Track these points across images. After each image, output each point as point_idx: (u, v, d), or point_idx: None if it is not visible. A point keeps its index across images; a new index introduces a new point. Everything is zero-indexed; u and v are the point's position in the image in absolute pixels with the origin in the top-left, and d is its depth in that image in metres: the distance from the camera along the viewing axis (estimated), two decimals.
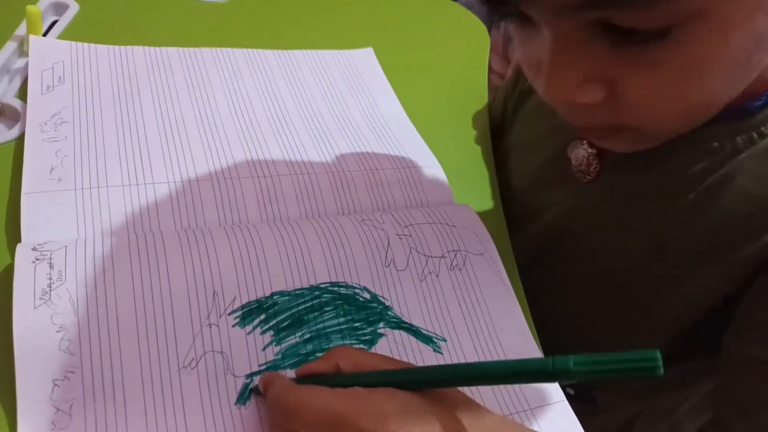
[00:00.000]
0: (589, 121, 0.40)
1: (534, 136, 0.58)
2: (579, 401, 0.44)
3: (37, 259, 0.39)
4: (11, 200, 0.45)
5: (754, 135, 0.42)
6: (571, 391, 0.53)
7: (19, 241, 0.41)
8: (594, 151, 0.49)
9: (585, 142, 0.50)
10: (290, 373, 0.39)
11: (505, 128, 0.64)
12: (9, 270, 0.40)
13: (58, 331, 0.36)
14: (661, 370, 0.25)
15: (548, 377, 0.28)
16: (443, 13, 0.76)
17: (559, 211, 0.52)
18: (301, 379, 0.36)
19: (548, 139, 0.55)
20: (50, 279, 0.38)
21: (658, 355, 0.25)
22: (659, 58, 0.34)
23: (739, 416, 0.42)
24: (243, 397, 0.37)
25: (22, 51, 0.57)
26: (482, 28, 0.75)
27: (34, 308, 0.37)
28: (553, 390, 0.42)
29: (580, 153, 0.50)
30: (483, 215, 0.51)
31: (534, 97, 0.59)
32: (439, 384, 0.33)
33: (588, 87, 0.36)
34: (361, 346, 0.41)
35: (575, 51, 0.35)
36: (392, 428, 0.30)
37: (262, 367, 0.38)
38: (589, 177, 0.50)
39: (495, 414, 0.34)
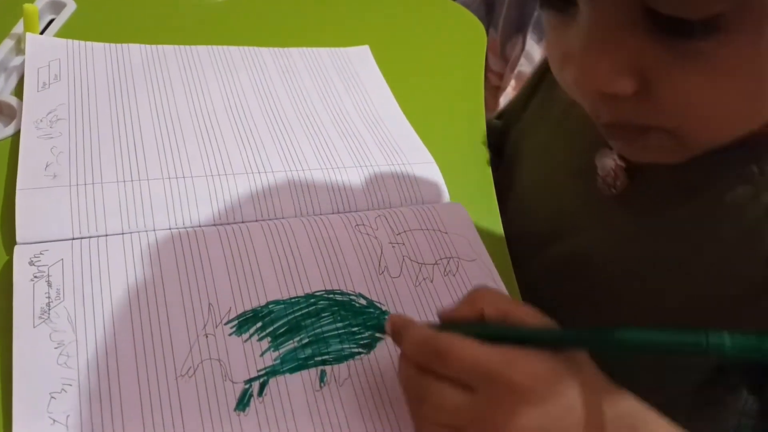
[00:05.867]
0: (615, 117, 0.37)
1: (556, 142, 0.54)
2: None
3: (35, 276, 0.40)
4: (6, 196, 0.46)
5: None
6: None
7: (14, 236, 0.42)
8: (623, 165, 0.45)
9: (616, 154, 0.45)
10: (293, 378, 0.39)
11: (513, 131, 0.62)
12: (5, 268, 0.41)
13: (56, 348, 0.37)
14: None
15: (701, 352, 0.29)
16: (440, 12, 0.76)
17: (587, 235, 0.48)
18: (443, 326, 0.36)
19: (574, 147, 0.51)
20: (49, 298, 0.39)
21: None
22: (705, 53, 0.31)
23: None
24: (242, 403, 0.37)
25: (19, 49, 0.57)
26: (480, 27, 0.75)
27: (34, 327, 0.37)
28: None
29: (608, 163, 0.45)
30: (477, 213, 0.52)
31: (556, 100, 0.56)
32: (588, 347, 0.33)
33: (620, 77, 0.33)
34: (360, 350, 0.41)
35: (613, 36, 0.32)
36: (542, 390, 0.31)
37: (260, 373, 0.39)
38: (613, 191, 0.46)
39: (628, 394, 0.34)
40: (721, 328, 0.37)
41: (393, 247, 0.47)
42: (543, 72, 0.60)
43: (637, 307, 0.45)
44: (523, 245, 0.52)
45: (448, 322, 0.36)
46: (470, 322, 0.35)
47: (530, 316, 0.35)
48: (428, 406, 0.33)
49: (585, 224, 0.48)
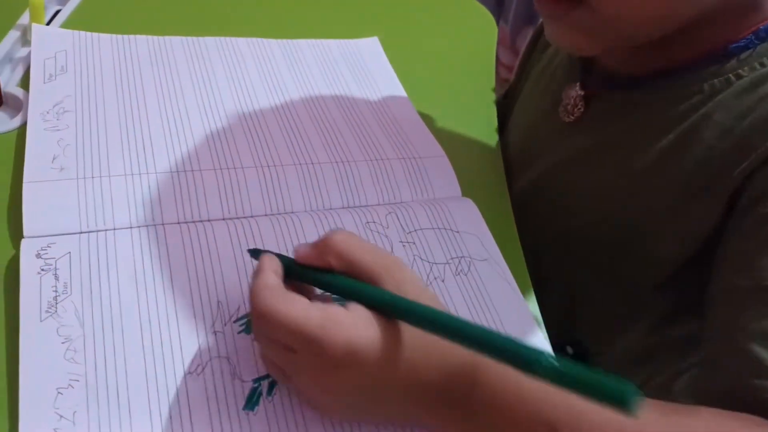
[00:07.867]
0: None
1: (535, 90, 0.60)
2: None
3: (42, 270, 0.39)
4: (13, 189, 0.45)
5: (732, 77, 0.43)
6: (570, 351, 0.54)
7: (21, 230, 0.41)
8: (582, 93, 0.50)
9: (578, 84, 0.51)
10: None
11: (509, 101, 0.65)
12: (12, 261, 0.40)
13: (63, 342, 0.36)
14: (632, 408, 0.25)
15: (522, 367, 0.29)
16: (450, 3, 0.75)
17: (547, 160, 0.54)
18: (292, 266, 0.36)
19: (546, 90, 0.56)
20: (56, 291, 0.38)
21: (633, 389, 0.26)
22: None
23: (724, 346, 0.41)
24: (251, 402, 0.37)
25: (25, 40, 0.57)
26: (490, 18, 0.74)
27: (41, 321, 0.37)
28: (538, 342, 0.43)
29: (571, 93, 0.51)
30: (489, 208, 0.51)
31: (542, 59, 0.60)
32: (423, 327, 0.32)
33: None
34: None
35: None
36: (350, 359, 0.31)
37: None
38: (571, 117, 0.51)
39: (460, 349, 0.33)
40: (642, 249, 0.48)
41: (404, 246, 0.46)
42: (534, 42, 0.63)
43: (594, 218, 0.51)
44: None
45: (299, 265, 0.36)
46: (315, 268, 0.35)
47: (377, 265, 0.34)
48: (263, 352, 0.36)
49: (549, 149, 0.54)
